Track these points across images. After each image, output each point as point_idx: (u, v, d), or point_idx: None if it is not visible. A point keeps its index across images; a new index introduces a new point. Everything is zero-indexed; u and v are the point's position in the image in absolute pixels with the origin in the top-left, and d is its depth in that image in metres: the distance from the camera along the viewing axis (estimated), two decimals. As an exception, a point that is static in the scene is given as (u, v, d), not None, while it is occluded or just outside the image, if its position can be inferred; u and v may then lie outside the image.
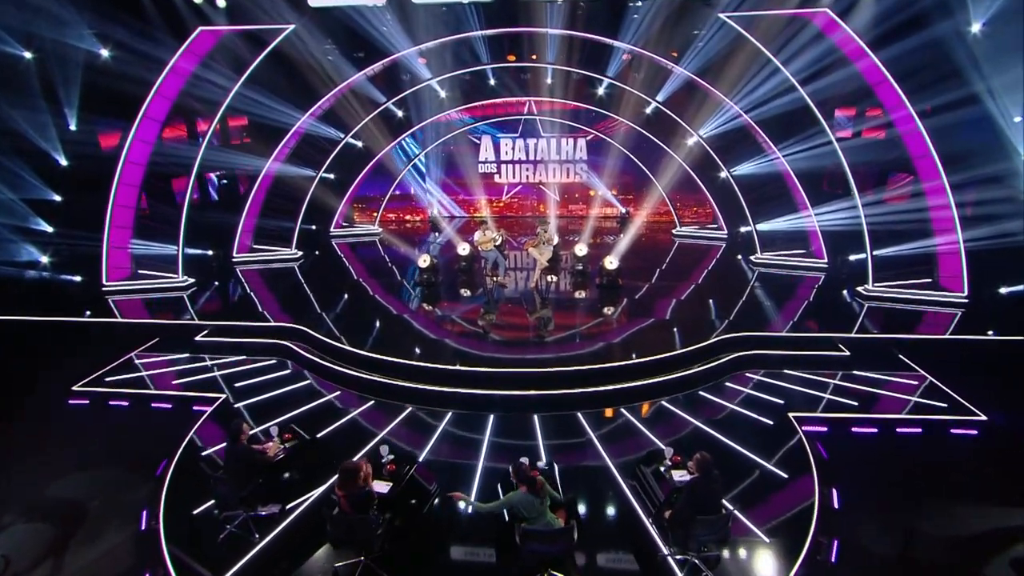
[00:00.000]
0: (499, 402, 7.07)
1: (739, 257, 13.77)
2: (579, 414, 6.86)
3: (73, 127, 10.26)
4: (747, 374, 7.94)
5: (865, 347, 8.47)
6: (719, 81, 11.55)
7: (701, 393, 7.41)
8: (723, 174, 13.99)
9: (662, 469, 4.84)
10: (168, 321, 9.72)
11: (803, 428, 6.47)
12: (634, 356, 7.77)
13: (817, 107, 10.39)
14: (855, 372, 7.90)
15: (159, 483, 5.48)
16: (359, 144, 15.06)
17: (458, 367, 7.49)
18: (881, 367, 7.98)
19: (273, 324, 9.40)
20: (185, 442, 6.26)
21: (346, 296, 10.97)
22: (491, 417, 6.83)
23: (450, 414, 6.92)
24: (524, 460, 4.32)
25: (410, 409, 7.06)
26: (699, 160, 14.46)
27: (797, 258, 13.00)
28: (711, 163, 14.05)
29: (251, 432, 5.25)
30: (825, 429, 6.48)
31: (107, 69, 9.80)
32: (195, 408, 7.15)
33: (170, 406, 7.28)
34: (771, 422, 6.65)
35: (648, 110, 14.63)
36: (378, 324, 9.49)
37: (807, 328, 9.17)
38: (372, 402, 7.31)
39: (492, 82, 15.37)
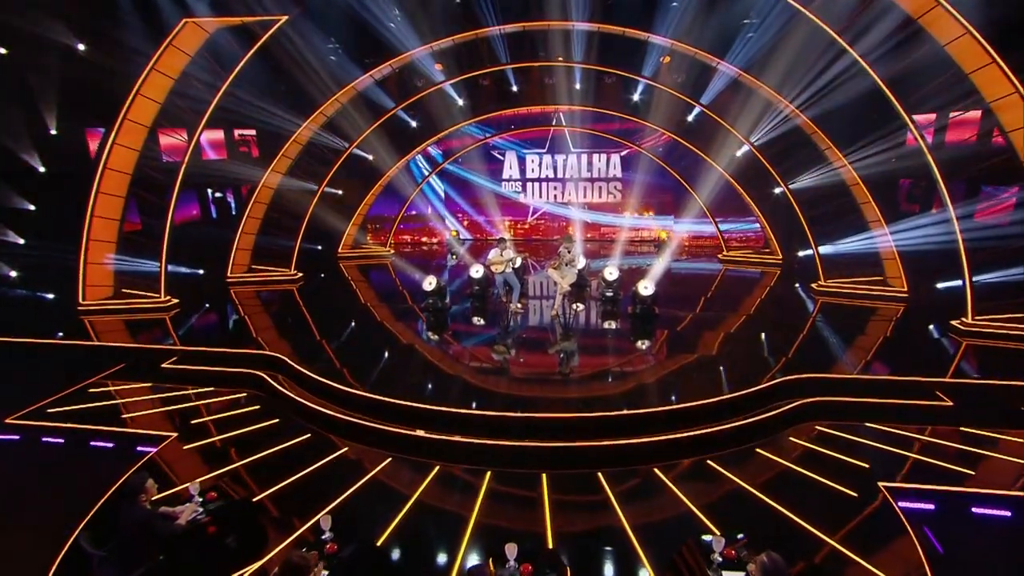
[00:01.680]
0: (498, 455, 5.92)
1: (797, 285, 12.39)
2: (600, 474, 5.62)
3: (54, 131, 9.95)
4: (817, 426, 6.54)
5: (974, 396, 6.94)
6: (772, 76, 10.42)
7: (758, 451, 6.05)
8: (778, 189, 12.68)
9: (712, 565, 3.57)
10: (131, 345, 9.01)
11: (901, 504, 5.04)
12: (673, 400, 6.52)
13: (897, 100, 9.00)
14: (963, 428, 6.39)
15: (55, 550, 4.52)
16: (369, 157, 14.51)
17: (445, 408, 6.42)
18: (997, 422, 6.45)
19: (249, 352, 8.56)
20: (106, 498, 5.32)
21: (336, 323, 10.14)
22: (488, 474, 5.67)
23: (437, 468, 5.80)
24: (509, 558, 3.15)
25: (389, 460, 5.99)
26: (749, 173, 13.23)
27: (870, 286, 11.50)
28: (764, 176, 12.78)
29: (159, 494, 4.25)
30: (933, 507, 5.04)
31: (92, 67, 9.46)
32: (139, 449, 6.27)
33: (111, 445, 6.41)
34: (855, 494, 5.23)
35: (691, 116, 13.53)
36: (365, 355, 8.59)
37: (891, 370, 7.69)
38: (344, 450, 6.26)
39: (514, 88, 14.60)
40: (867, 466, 5.68)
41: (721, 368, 7.66)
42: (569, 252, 10.01)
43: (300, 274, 13.79)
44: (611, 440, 6.03)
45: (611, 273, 10.85)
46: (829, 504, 5.13)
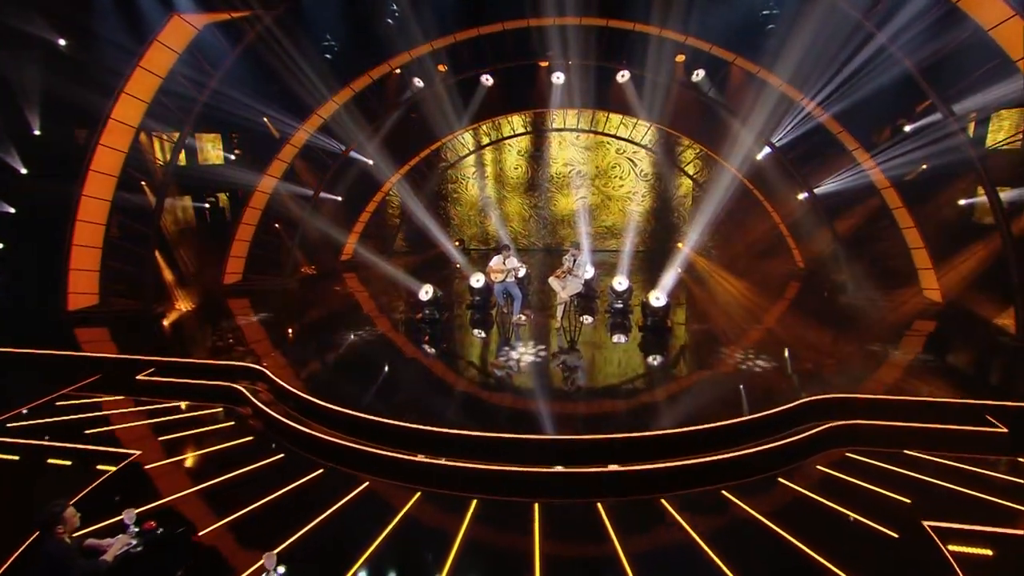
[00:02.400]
0: (483, 480, 5.42)
1: (825, 294, 11.76)
2: (599, 504, 5.09)
3: (37, 131, 9.82)
4: (847, 453, 5.93)
5: (1029, 421, 6.27)
6: (791, 71, 9.92)
7: (780, 480, 5.46)
8: (802, 195, 12.07)
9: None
10: (107, 356, 8.70)
11: (950, 548, 4.42)
12: (684, 421, 5.96)
13: (932, 92, 8.40)
14: (1021, 459, 5.72)
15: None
16: (369, 162, 14.24)
17: (427, 428, 5.96)
18: (1059, 452, 5.78)
19: (227, 364, 8.22)
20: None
21: (323, 334, 9.76)
22: (473, 503, 5.17)
23: (419, 495, 5.31)
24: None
25: (366, 485, 5.53)
26: (768, 177, 12.66)
27: (905, 296, 10.82)
28: (785, 180, 12.20)
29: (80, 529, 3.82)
30: (991, 553, 4.40)
31: (75, 64, 9.30)
32: (99, 468, 5.91)
33: (69, 463, 6.05)
34: (895, 534, 4.62)
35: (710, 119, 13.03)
36: (350, 369, 8.21)
37: (934, 391, 7.02)
38: (320, 471, 5.81)
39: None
40: (909, 501, 5.05)
41: (740, 386, 7.07)
42: (573, 260, 9.54)
43: (296, 282, 13.55)
44: (612, 466, 5.49)
45: (620, 283, 10.33)
46: (864, 544, 4.53)
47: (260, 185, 12.37)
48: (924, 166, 10.59)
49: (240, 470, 5.86)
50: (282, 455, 6.21)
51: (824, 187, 11.56)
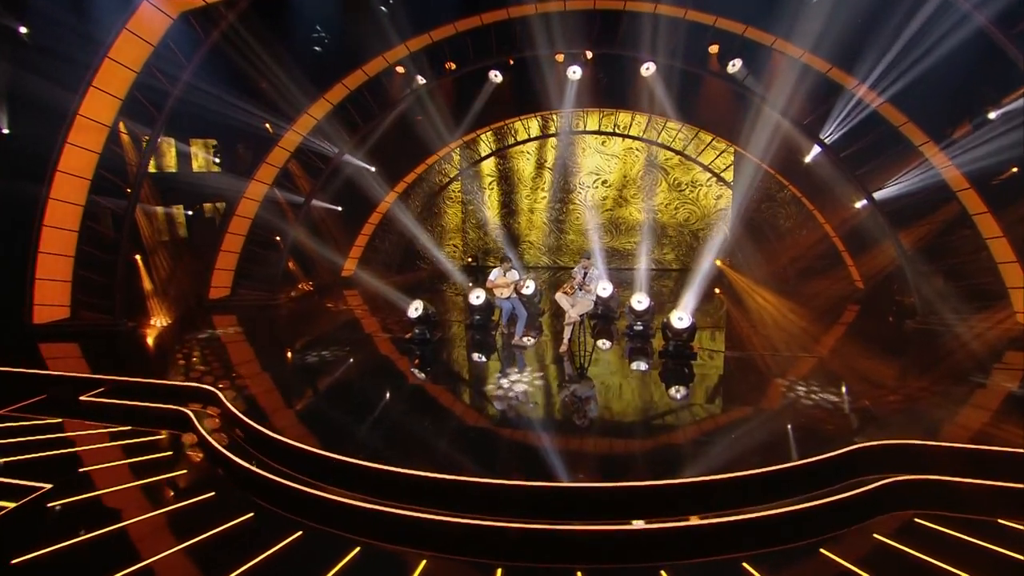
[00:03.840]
0: (434, 534, 4.62)
1: (889, 319, 10.71)
2: (578, 575, 4.20)
3: (6, 130, 9.74)
4: (916, 519, 4.85)
5: None
6: (839, 49, 8.97)
7: (822, 552, 4.43)
8: (860, 203, 10.94)
9: None
10: (53, 373, 8.33)
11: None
12: (697, 469, 5.02)
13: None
14: None
15: None
16: (371, 168, 13.91)
17: (383, 467, 5.21)
18: None
19: (178, 384, 7.79)
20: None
21: (298, 353, 9.25)
22: (422, 564, 4.37)
23: (357, 549, 4.57)
24: None
25: (299, 534, 4.81)
26: (819, 182, 11.61)
27: (986, 318, 9.54)
28: (837, 185, 11.12)
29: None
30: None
31: (40, 53, 9.19)
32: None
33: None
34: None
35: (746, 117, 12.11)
36: (313, 394, 7.64)
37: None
38: (250, 515, 5.14)
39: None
40: (1000, 589, 3.95)
41: (773, 427, 6.06)
42: (584, 273, 8.70)
43: (288, 298, 13.28)
44: (594, 524, 4.57)
45: (640, 302, 9.43)
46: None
47: (248, 192, 12.07)
48: (1015, 168, 9.39)
49: (162, 510, 5.31)
50: (213, 493, 5.60)
51: (886, 191, 10.41)
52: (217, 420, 6.98)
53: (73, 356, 9.50)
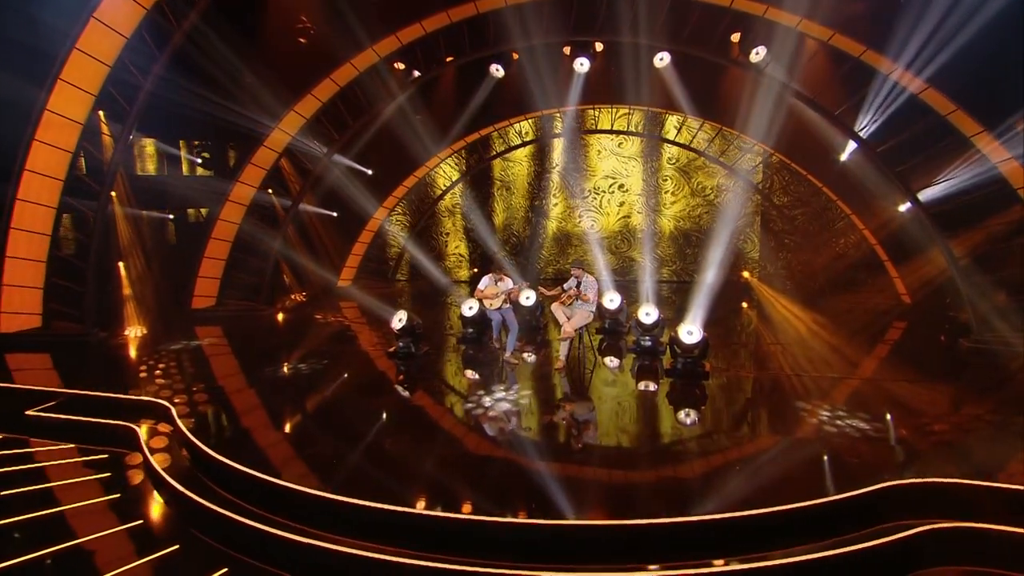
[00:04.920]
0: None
1: (941, 338, 10.04)
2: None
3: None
4: (965, 576, 4.19)
5: None
6: (875, 28, 8.36)
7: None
8: (903, 206, 10.20)
9: None
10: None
11: None
12: (693, 508, 4.45)
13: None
14: None
15: None
16: (367, 172, 13.71)
17: (343, 499, 4.78)
18: None
19: (128, 398, 7.59)
20: None
21: (271, 366, 8.94)
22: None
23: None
24: None
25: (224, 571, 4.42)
26: (854, 182, 10.92)
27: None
28: (877, 184, 10.39)
29: None
30: None
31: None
32: None
33: None
34: None
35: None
36: (276, 414, 7.27)
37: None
38: (175, 547, 4.77)
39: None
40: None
41: (785, 457, 5.43)
42: (578, 283, 8.19)
43: (276, 309, 13.13)
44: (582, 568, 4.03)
45: (648, 315, 8.87)
46: None
47: (232, 195, 11.92)
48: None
49: (84, 538, 4.96)
50: (140, 522, 5.23)
51: (932, 190, 9.64)
52: (165, 439, 6.67)
53: (37, 368, 9.37)
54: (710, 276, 15.12)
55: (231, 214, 12.34)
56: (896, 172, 9.49)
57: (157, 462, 6.00)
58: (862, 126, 9.58)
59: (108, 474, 6.16)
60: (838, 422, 6.12)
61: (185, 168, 14.28)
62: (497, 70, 12.26)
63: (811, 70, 9.94)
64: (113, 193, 12.46)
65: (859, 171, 10.60)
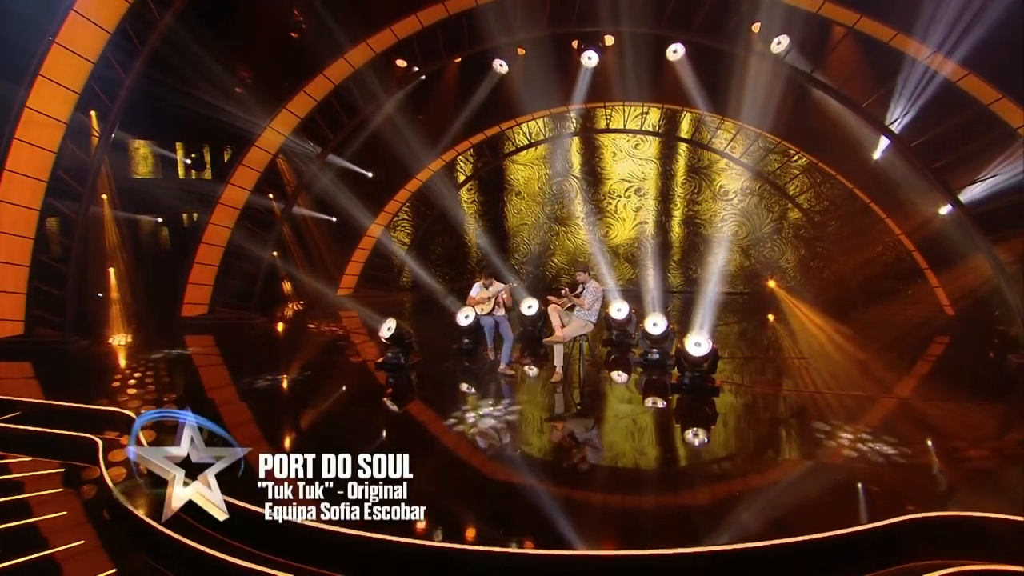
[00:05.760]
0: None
1: (991, 354, 9.52)
2: None
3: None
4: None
5: None
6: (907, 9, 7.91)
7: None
8: (943, 208, 9.66)
9: None
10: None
11: None
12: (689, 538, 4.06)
13: None
14: None
15: None
16: (368, 175, 13.62)
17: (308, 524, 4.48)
18: None
19: (95, 408, 7.51)
20: None
21: (250, 377, 8.78)
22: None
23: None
24: None
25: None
26: (888, 184, 10.42)
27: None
28: (913, 184, 9.88)
29: None
30: None
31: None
32: None
33: None
34: None
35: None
36: (249, 425, 7.06)
37: None
38: (111, 571, 4.56)
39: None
40: None
41: (796, 483, 4.99)
42: (581, 289, 7.83)
43: (270, 318, 13.10)
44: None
45: (655, 324, 8.49)
46: None
47: (223, 198, 11.88)
48: None
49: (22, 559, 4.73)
50: (82, 541, 5.02)
51: (974, 190, 9.09)
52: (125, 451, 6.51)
53: (16, 376, 9.36)
54: (732, 286, 14.68)
55: (223, 218, 12.30)
56: (933, 169, 8.97)
57: (111, 477, 5.85)
58: (893, 119, 9.08)
59: (60, 489, 6.04)
60: (860, 445, 5.64)
61: (181, 171, 14.38)
62: (500, 66, 12.05)
63: (837, 59, 9.50)
64: (104, 196, 12.69)
65: (893, 170, 10.08)
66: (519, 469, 5.62)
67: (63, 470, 6.44)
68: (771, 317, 12.68)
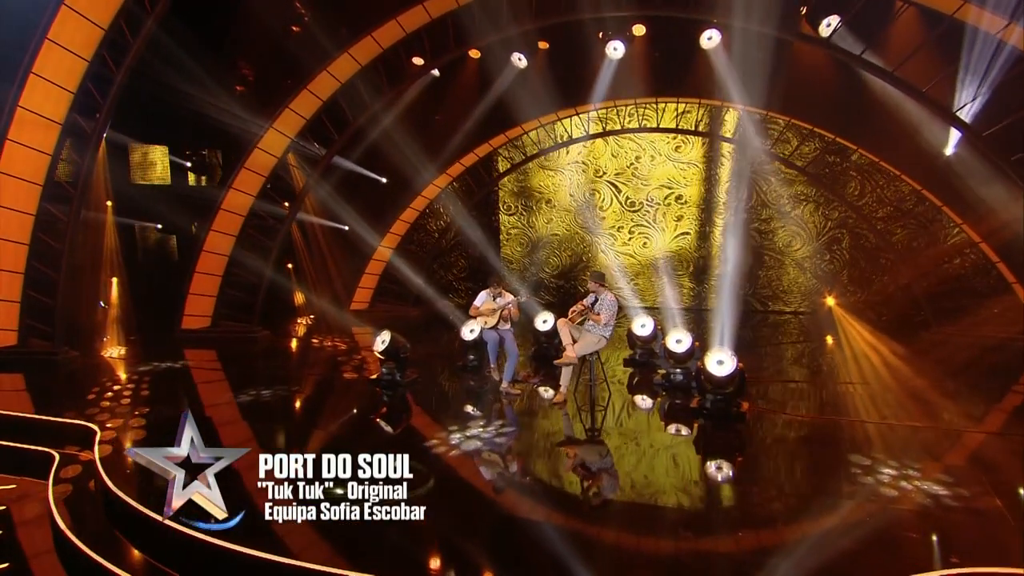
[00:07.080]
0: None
1: None
2: None
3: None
4: None
5: None
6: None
7: None
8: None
9: None
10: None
11: None
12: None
13: None
14: None
15: None
16: (382, 180, 13.59)
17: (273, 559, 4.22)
18: None
19: (58, 420, 7.48)
20: None
21: (239, 393, 8.66)
22: None
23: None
24: None
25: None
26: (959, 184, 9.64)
27: None
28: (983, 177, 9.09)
29: None
30: None
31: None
32: None
33: None
34: None
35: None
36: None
37: None
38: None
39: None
40: None
41: (832, 530, 4.40)
42: (595, 300, 7.38)
43: (274, 332, 13.08)
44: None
45: (679, 342, 7.93)
46: None
47: (225, 203, 11.97)
48: None
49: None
50: (8, 564, 4.89)
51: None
52: (79, 467, 6.40)
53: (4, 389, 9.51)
54: (786, 304, 13.90)
55: (226, 225, 12.38)
56: (1012, 162, 8.15)
57: (55, 495, 5.72)
58: (961, 104, 8.29)
59: (3, 507, 5.95)
60: (904, 483, 4.96)
61: (191, 179, 14.68)
62: (520, 59, 11.81)
63: (893, 37, 8.81)
64: (109, 203, 13.02)
65: (962, 165, 9.27)
66: (505, 503, 5.21)
67: (14, 486, 6.41)
68: (828, 337, 11.88)
